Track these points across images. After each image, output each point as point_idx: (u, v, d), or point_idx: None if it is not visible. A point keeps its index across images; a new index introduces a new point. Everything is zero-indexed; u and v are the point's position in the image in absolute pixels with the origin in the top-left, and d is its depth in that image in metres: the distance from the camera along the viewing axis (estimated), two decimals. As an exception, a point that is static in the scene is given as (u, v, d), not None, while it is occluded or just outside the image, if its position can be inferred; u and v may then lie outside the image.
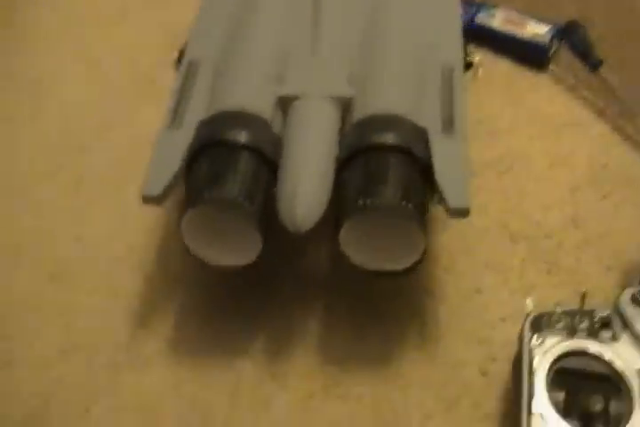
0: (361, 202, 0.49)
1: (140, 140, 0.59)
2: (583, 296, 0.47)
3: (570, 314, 0.47)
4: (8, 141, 0.69)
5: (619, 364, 0.44)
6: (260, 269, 0.57)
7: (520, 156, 0.66)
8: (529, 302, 0.49)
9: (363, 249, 0.50)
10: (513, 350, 0.52)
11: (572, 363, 0.45)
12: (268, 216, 0.50)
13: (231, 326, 0.55)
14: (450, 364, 0.52)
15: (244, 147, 0.52)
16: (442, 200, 0.50)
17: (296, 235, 0.50)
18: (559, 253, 0.58)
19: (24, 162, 0.67)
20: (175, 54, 0.61)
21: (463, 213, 0.50)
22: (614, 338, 0.46)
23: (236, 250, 0.51)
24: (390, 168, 0.51)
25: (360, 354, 0.53)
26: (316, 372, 0.52)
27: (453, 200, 0.50)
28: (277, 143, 0.53)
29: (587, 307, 0.47)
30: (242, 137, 0.52)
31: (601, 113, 0.69)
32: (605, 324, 0.46)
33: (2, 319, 0.56)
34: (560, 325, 0.47)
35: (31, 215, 0.63)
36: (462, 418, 0.50)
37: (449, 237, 0.60)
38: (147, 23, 0.79)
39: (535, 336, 0.46)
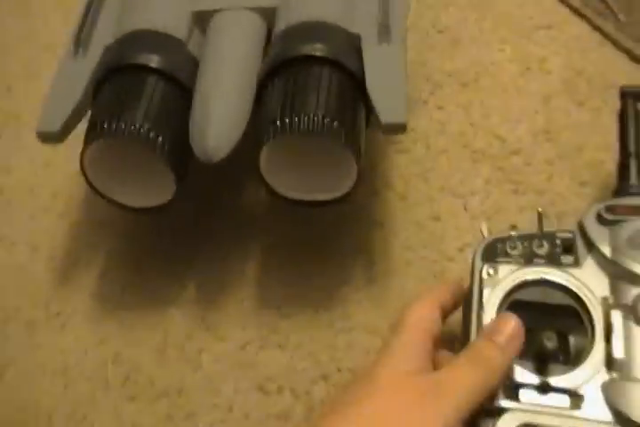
0: (279, 122, 0.42)
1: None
2: (540, 217, 0.41)
3: (527, 238, 0.41)
4: None
5: (581, 292, 0.38)
6: (190, 210, 0.52)
7: (486, 65, 0.59)
8: (484, 228, 0.43)
9: (289, 178, 0.44)
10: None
11: (529, 294, 0.39)
12: (185, 149, 0.44)
13: (160, 274, 0.50)
14: (402, 302, 0.46)
15: (153, 70, 0.45)
16: (375, 116, 0.44)
17: (208, 165, 0.43)
18: (527, 171, 0.52)
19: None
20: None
21: (398, 128, 0.43)
22: (577, 263, 0.39)
23: (150, 189, 0.45)
24: (313, 82, 0.44)
25: (300, 298, 0.48)
26: (252, 320, 0.47)
27: (387, 115, 0.43)
28: (194, 66, 0.47)
29: (549, 230, 0.41)
30: (150, 60, 0.45)
31: (577, 12, 0.61)
32: (567, 248, 0.40)
33: None
34: (516, 251, 0.40)
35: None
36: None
37: (403, 161, 0.54)
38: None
39: (486, 266, 0.40)
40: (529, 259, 0.40)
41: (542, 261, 0.40)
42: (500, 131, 0.55)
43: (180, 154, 0.45)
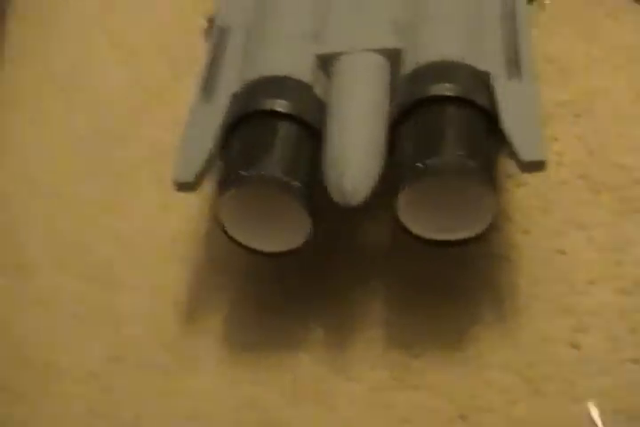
0: (419, 164, 0.43)
1: (178, 124, 0.55)
2: None
3: None
4: (41, 138, 0.67)
5: None
6: (313, 252, 0.53)
7: (599, 93, 0.58)
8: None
9: (425, 218, 0.44)
10: (606, 316, 0.46)
11: None
12: (315, 192, 0.46)
13: (285, 317, 0.50)
14: (534, 340, 0.46)
15: (283, 115, 0.46)
16: (512, 153, 0.44)
17: (347, 209, 0.44)
18: (654, 201, 0.51)
19: (59, 159, 0.65)
20: (204, 23, 0.57)
21: (538, 166, 0.43)
22: None
23: (284, 233, 0.46)
24: (449, 122, 0.44)
25: (431, 337, 0.48)
26: (383, 360, 0.47)
27: (526, 152, 0.43)
28: (321, 109, 0.48)
29: None
30: (279, 105, 0.46)
31: (691, 34, 0.60)
32: None
33: (45, 330, 0.54)
34: None
35: (71, 217, 0.61)
36: (553, 401, 0.43)
37: (522, 194, 0.54)
38: (180, 4, 0.75)
39: None
40: None
41: None
42: (620, 159, 0.54)
43: (313, 197, 0.45)
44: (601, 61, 0.61)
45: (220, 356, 0.50)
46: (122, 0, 0.78)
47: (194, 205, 0.58)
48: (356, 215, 0.53)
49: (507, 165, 0.55)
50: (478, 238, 0.44)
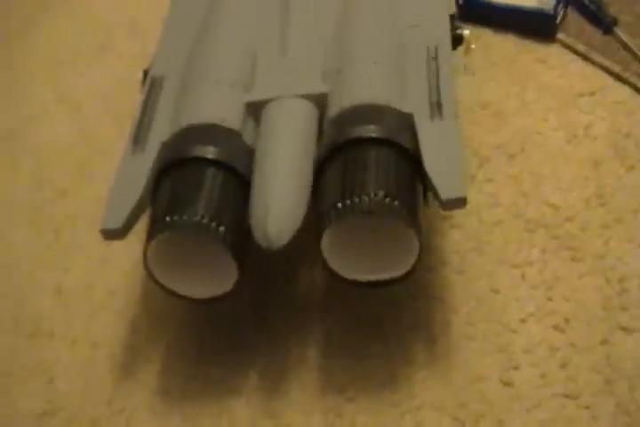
0: (340, 205, 0.44)
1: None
2: None
3: None
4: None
5: None
6: (246, 298, 0.53)
7: (532, 135, 0.59)
8: None
9: (350, 259, 0.45)
10: (538, 353, 0.46)
11: None
12: (246, 239, 0.46)
13: (221, 365, 0.50)
14: (466, 379, 0.46)
15: (211, 162, 0.47)
16: (435, 192, 0.45)
17: (270, 252, 0.45)
18: (584, 237, 0.51)
19: (0, 211, 0.65)
20: (140, 75, 0.58)
21: (459, 203, 0.44)
22: None
23: (212, 279, 0.46)
24: (372, 163, 0.45)
25: (364, 379, 0.47)
26: (317, 405, 0.47)
27: (446, 190, 0.44)
28: (250, 156, 0.49)
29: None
30: (207, 151, 0.47)
31: (618, 77, 0.61)
32: None
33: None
34: None
35: (7, 268, 0.61)
36: (485, 441, 0.43)
37: (457, 236, 0.54)
38: (126, 59, 0.77)
39: None
40: None
41: None
42: (552, 199, 0.55)
43: (241, 243, 0.46)
44: (533, 104, 0.62)
45: (154, 407, 0.49)
46: (69, 56, 0.80)
47: (133, 257, 0.58)
48: (291, 260, 0.54)
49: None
50: (404, 279, 0.45)
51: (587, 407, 0.43)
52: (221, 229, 0.45)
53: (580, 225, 0.53)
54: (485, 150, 0.59)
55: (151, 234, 0.46)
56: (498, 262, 0.52)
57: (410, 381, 0.46)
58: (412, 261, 0.44)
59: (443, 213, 0.56)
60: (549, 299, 0.49)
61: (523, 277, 0.50)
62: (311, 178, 0.47)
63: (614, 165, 0.56)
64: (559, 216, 0.53)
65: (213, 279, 0.46)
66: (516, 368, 0.46)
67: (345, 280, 0.45)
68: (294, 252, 0.48)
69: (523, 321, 0.48)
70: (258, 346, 0.51)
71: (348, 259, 0.45)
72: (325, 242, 0.44)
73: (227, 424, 0.47)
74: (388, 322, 0.50)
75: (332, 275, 0.45)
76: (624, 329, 0.46)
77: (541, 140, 0.59)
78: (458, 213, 0.55)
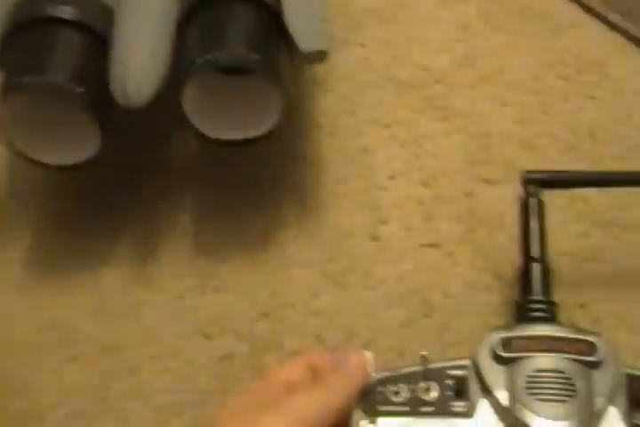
0: (199, 60, 0.42)
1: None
2: (423, 359, 0.33)
3: (412, 380, 0.33)
4: None
5: None
6: (115, 164, 0.51)
7: (404, 0, 0.59)
8: (369, 356, 0.34)
9: (214, 117, 0.43)
10: (405, 208, 0.47)
11: None
12: (108, 100, 0.44)
13: (90, 235, 0.49)
14: (335, 236, 0.46)
15: (67, 22, 0.44)
16: (295, 46, 0.43)
17: (130, 110, 0.43)
18: (452, 97, 0.52)
19: None
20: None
21: (319, 56, 0.43)
22: (470, 411, 0.32)
23: (75, 145, 0.44)
24: (230, 19, 0.43)
25: (235, 241, 0.47)
26: (188, 268, 0.46)
27: (305, 43, 0.43)
28: (108, 15, 0.46)
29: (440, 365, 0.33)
30: (63, 11, 0.44)
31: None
32: (460, 390, 0.33)
33: None
34: (400, 398, 0.33)
35: None
36: (352, 291, 0.44)
37: (329, 99, 0.54)
38: None
39: (364, 422, 0.32)
40: (414, 407, 0.32)
41: (430, 409, 0.32)
42: (422, 61, 0.54)
43: (103, 106, 0.44)
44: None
45: (22, 281, 0.48)
46: None
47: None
48: (160, 124, 0.52)
49: (314, 74, 0.55)
50: (268, 137, 0.44)
51: (449, 255, 0.44)
52: (79, 89, 0.42)
53: (448, 86, 0.53)
54: (357, 15, 0.58)
55: (6, 94, 0.43)
56: (368, 123, 0.52)
57: (281, 240, 0.47)
58: (276, 117, 0.43)
59: (315, 78, 0.55)
60: (417, 156, 0.49)
61: (392, 136, 0.50)
62: (172, 35, 0.45)
63: (483, 27, 0.56)
64: (429, 78, 0.53)
65: (76, 145, 0.44)
66: (383, 223, 0.46)
67: (210, 139, 0.44)
68: (162, 114, 0.46)
69: (391, 178, 0.48)
70: (127, 214, 0.49)
71: (212, 117, 0.43)
72: (187, 99, 0.42)
73: (97, 294, 0.46)
74: (259, 184, 0.49)
75: (197, 134, 0.43)
76: (486, 181, 0.47)
77: (413, 3, 0.58)
78: (330, 77, 0.55)
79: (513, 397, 0.31)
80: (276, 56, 0.44)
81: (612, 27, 0.53)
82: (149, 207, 0.49)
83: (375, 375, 0.33)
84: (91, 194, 0.50)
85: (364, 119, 0.52)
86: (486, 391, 0.32)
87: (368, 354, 0.34)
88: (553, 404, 0.31)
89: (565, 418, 0.31)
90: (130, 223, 0.49)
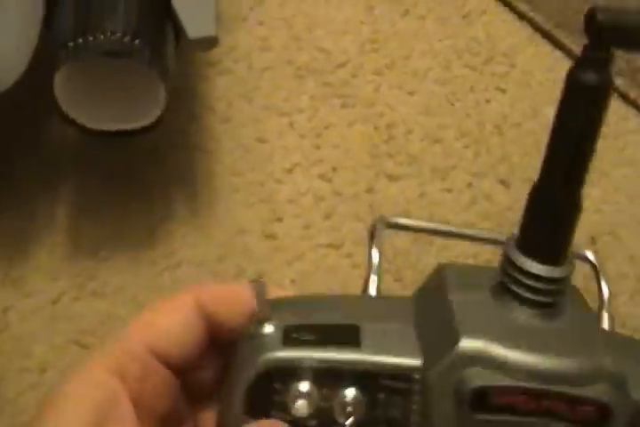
0: (71, 44, 0.37)
1: None
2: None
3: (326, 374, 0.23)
4: None
5: None
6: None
7: (306, -23, 0.54)
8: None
9: (92, 106, 0.38)
10: (303, 204, 0.43)
11: None
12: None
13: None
14: (228, 233, 0.42)
15: None
16: (183, 31, 0.39)
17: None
18: (355, 84, 0.48)
19: None
20: None
21: (209, 42, 0.39)
22: None
23: None
24: None
25: (119, 238, 0.42)
26: (65, 269, 0.41)
27: (193, 29, 0.38)
28: None
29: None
30: None
31: None
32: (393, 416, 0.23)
33: None
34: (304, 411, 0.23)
35: None
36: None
37: (225, 82, 0.49)
38: None
39: None
40: None
41: None
42: (324, 43, 0.50)
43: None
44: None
45: None
46: None
47: None
48: (36, 110, 0.47)
49: (210, 53, 0.50)
50: (150, 129, 0.39)
51: (348, 256, 0.41)
52: None
53: (351, 71, 0.49)
54: (256, -8, 0.54)
55: None
56: (266, 110, 0.47)
57: (169, 237, 0.42)
58: (159, 108, 0.38)
59: (210, 58, 0.50)
60: (317, 147, 0.45)
61: (291, 125, 0.47)
62: (40, 13, 0.39)
63: (389, 9, 0.52)
64: (331, 62, 0.49)
65: None
66: (279, 220, 0.43)
67: (87, 130, 0.39)
68: (41, 98, 0.41)
69: (289, 171, 0.44)
70: (-2, 207, 0.44)
71: (89, 106, 0.38)
72: (59, 86, 0.37)
73: (-39, 294, 0.41)
74: (147, 175, 0.44)
75: (73, 124, 0.38)
76: (389, 176, 0.44)
77: (315, -19, 0.54)
78: (227, 58, 0.50)
79: None
80: (158, 40, 0.39)
81: (521, 16, 0.50)
82: (23, 198, 0.44)
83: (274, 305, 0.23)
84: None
85: (261, 105, 0.48)
86: None
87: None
88: None
89: None
90: (1, 218, 0.43)
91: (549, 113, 0.48)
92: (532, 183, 0.21)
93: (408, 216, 0.42)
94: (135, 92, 0.38)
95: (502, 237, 0.24)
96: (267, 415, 0.22)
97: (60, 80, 0.37)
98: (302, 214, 0.42)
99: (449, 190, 0.44)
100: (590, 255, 0.28)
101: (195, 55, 0.49)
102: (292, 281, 0.40)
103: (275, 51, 0.50)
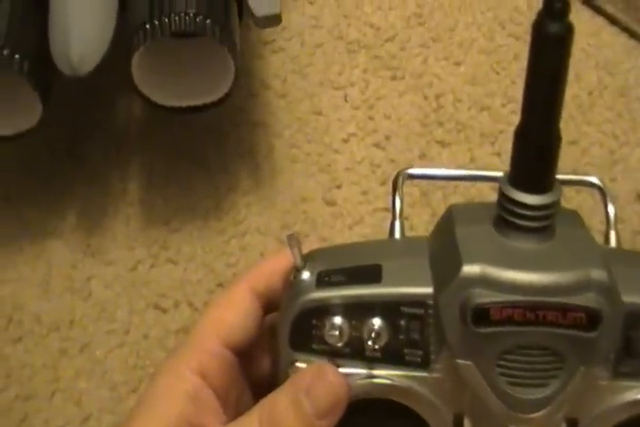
0: (148, 25, 0.36)
1: None
2: (292, 239, 0.25)
3: (355, 315, 0.25)
4: None
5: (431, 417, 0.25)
6: (60, 134, 0.45)
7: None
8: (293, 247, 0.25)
9: (164, 84, 0.38)
10: (360, 171, 0.43)
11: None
12: (49, 67, 0.38)
13: (35, 206, 0.43)
14: (291, 201, 0.42)
15: None
16: (249, 10, 0.38)
17: (75, 80, 0.37)
18: (403, 56, 0.47)
19: None
20: None
21: (273, 20, 0.38)
22: (424, 363, 0.25)
23: (14, 114, 0.39)
24: None
25: (188, 210, 0.42)
26: (140, 239, 0.42)
27: (259, 7, 0.38)
28: None
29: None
30: None
31: None
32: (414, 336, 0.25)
33: None
34: (341, 342, 0.25)
35: None
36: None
37: (279, 60, 0.48)
38: None
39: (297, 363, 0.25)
40: (355, 353, 0.25)
41: (378, 355, 0.25)
42: (372, 19, 0.49)
43: (44, 72, 0.38)
44: None
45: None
46: None
47: None
48: (106, 90, 0.46)
49: (263, 33, 0.49)
50: (219, 103, 0.39)
51: (405, 219, 0.40)
52: (17, 57, 0.37)
53: (399, 45, 0.48)
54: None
55: None
56: (320, 84, 0.47)
57: (235, 208, 0.42)
58: (228, 83, 0.38)
59: (264, 37, 0.50)
60: (370, 118, 0.44)
61: (345, 97, 0.46)
62: None
63: (433, -17, 0.51)
64: (380, 37, 0.48)
65: (16, 114, 0.39)
66: (338, 187, 0.42)
67: (161, 107, 0.39)
68: (108, 80, 0.41)
69: (345, 141, 0.44)
70: (75, 184, 0.44)
71: (162, 84, 0.38)
72: (136, 66, 0.37)
73: (44, 268, 0.41)
74: (210, 151, 0.44)
75: (147, 102, 0.38)
76: (440, 143, 0.43)
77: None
78: (279, 37, 0.49)
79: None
80: (227, 18, 0.38)
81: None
82: (97, 176, 0.44)
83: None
84: (35, 164, 0.45)
85: (315, 80, 0.47)
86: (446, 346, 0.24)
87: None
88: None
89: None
90: (77, 194, 0.44)
91: (592, 77, 0.47)
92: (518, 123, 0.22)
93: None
94: (206, 68, 0.38)
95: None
96: (309, 348, 0.25)
97: (137, 61, 0.36)
98: (360, 181, 0.42)
99: (498, 154, 0.43)
100: (595, 180, 0.28)
101: (249, 35, 0.48)
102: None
103: (325, 28, 0.49)
